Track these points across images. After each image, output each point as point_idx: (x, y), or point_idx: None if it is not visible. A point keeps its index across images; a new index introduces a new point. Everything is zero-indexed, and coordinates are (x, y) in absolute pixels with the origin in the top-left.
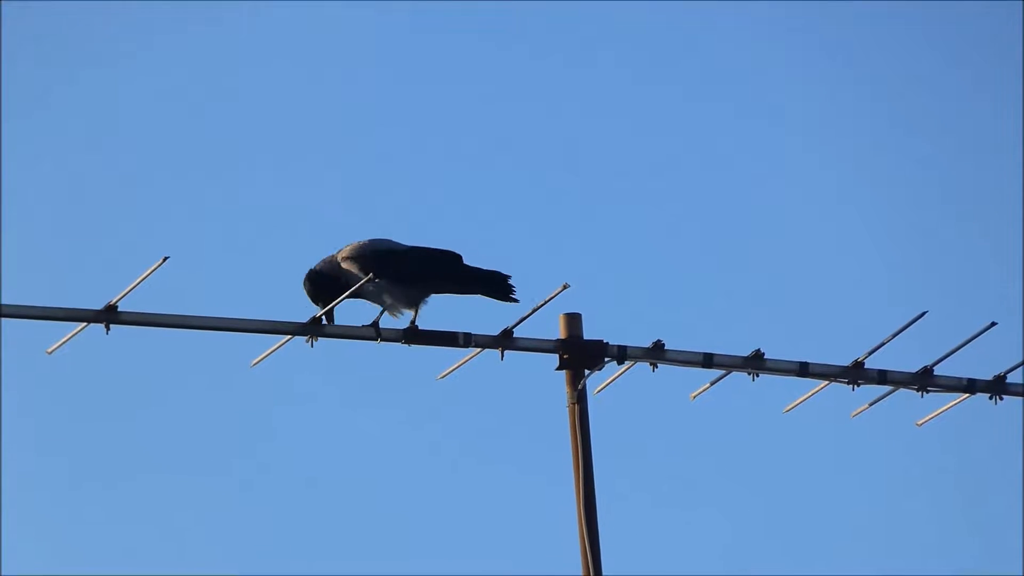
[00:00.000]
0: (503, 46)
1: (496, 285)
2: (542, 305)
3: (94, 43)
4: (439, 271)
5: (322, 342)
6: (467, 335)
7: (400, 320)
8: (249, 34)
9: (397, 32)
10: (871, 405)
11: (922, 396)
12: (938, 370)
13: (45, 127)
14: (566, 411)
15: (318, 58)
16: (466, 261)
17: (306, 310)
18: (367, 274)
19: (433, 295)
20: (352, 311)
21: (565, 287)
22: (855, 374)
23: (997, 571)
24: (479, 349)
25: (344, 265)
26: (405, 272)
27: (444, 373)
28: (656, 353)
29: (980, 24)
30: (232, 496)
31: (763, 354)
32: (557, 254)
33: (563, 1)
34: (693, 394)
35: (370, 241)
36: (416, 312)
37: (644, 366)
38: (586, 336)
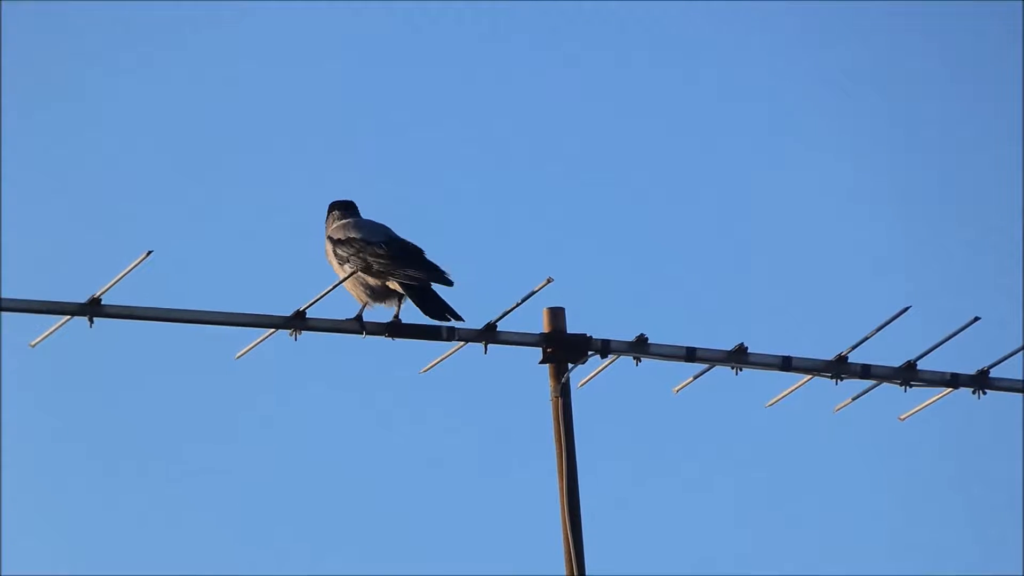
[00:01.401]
0: (488, 40)
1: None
2: (526, 299)
3: (82, 40)
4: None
5: (305, 335)
6: (451, 329)
7: (384, 313)
8: (231, 28)
9: (383, 28)
10: (854, 399)
11: (905, 391)
12: (921, 365)
13: (28, 122)
14: (549, 405)
15: (295, 50)
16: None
17: (289, 303)
18: (342, 262)
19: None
20: (335, 304)
21: (549, 281)
22: (838, 368)
23: (984, 566)
24: (463, 343)
25: (329, 244)
26: (375, 268)
27: (428, 367)
28: (639, 347)
29: (979, 24)
30: (215, 489)
31: (746, 348)
32: (541, 248)
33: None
34: (676, 388)
35: (355, 225)
36: (399, 305)
37: (627, 360)
38: (570, 330)
